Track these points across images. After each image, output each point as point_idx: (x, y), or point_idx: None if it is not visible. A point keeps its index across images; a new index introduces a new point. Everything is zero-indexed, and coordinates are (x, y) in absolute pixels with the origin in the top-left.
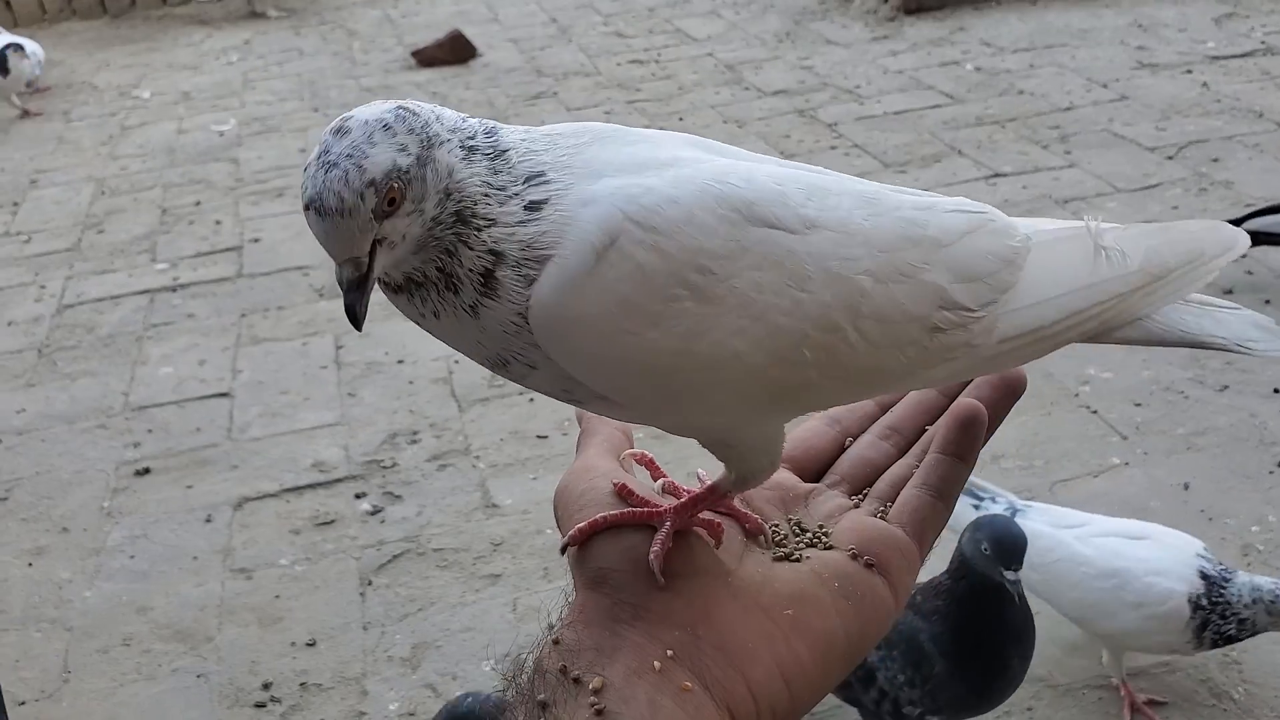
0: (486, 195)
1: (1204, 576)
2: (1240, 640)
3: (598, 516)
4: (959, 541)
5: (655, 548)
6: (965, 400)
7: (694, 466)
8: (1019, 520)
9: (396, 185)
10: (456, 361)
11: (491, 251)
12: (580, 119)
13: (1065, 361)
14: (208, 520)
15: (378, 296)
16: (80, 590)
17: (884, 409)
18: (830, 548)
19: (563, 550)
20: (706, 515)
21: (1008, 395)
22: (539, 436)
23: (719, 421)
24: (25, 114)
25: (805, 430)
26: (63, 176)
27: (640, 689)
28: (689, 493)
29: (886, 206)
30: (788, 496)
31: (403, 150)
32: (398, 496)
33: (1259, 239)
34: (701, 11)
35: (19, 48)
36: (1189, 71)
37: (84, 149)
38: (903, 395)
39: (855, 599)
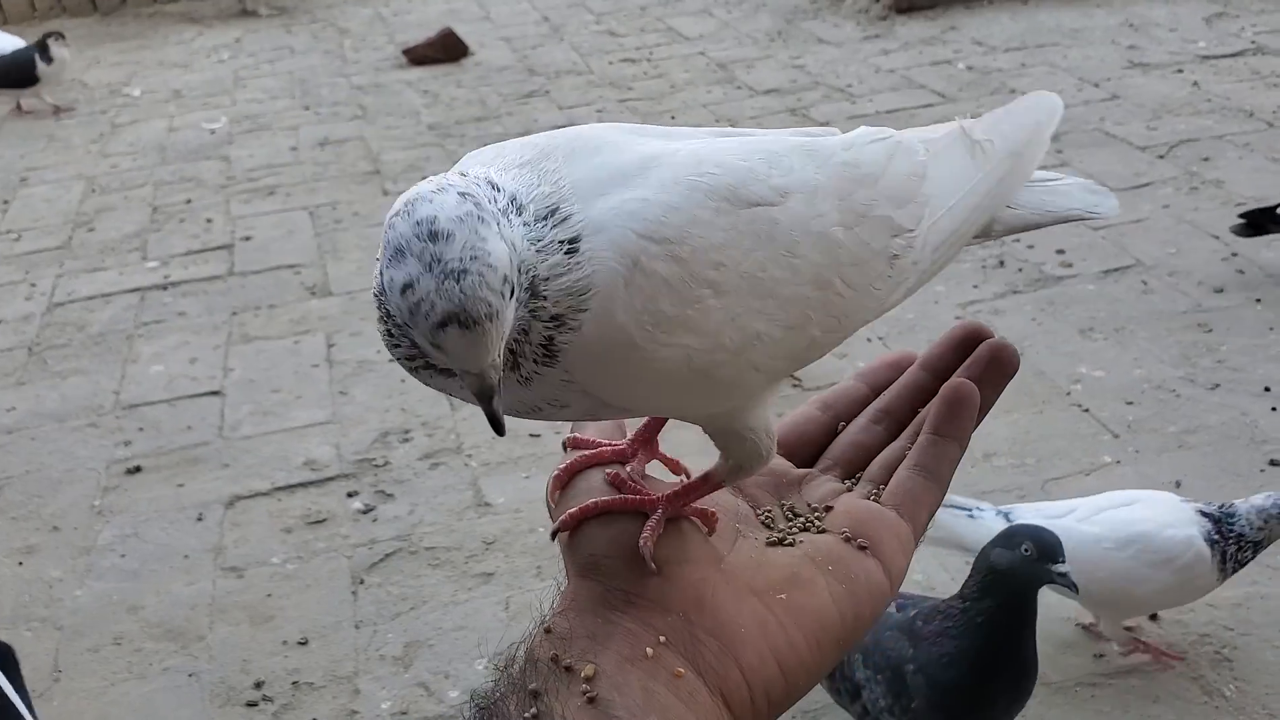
0: (538, 254)
1: (1204, 515)
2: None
3: (589, 502)
4: (983, 559)
5: (646, 534)
6: (957, 380)
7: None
8: (1013, 522)
9: (513, 275)
10: None
11: (554, 318)
12: (572, 118)
13: (1057, 360)
14: (199, 519)
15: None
16: (71, 589)
17: (876, 392)
18: (823, 531)
19: (553, 536)
20: (698, 504)
21: (999, 375)
22: (531, 435)
23: (736, 405)
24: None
25: (798, 416)
26: (53, 174)
27: (633, 676)
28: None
29: (825, 155)
30: (781, 482)
31: (500, 236)
32: (390, 495)
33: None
34: (693, 10)
35: (60, 35)
36: (1180, 71)
37: (74, 147)
38: (896, 377)
39: (849, 581)
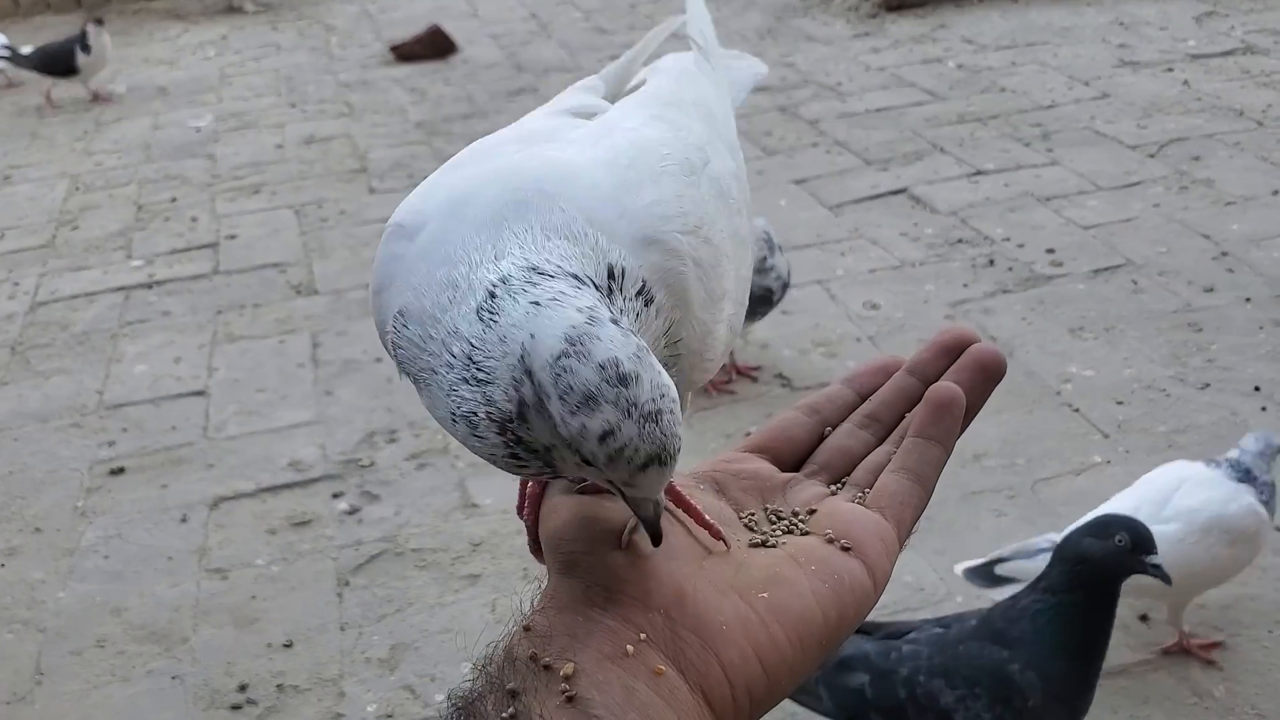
0: (642, 328)
1: (1239, 478)
2: None
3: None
4: (1071, 549)
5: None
6: (942, 384)
7: None
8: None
9: None
10: None
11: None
12: None
13: (1047, 359)
14: (183, 520)
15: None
16: (54, 591)
17: (863, 397)
18: (806, 534)
19: (519, 512)
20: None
21: (986, 380)
22: None
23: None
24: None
25: (783, 420)
26: (36, 173)
27: (613, 674)
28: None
29: (681, 111)
30: (765, 486)
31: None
32: (375, 496)
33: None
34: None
35: (99, 21)
36: (1170, 70)
37: (58, 145)
38: (883, 382)
39: (832, 582)
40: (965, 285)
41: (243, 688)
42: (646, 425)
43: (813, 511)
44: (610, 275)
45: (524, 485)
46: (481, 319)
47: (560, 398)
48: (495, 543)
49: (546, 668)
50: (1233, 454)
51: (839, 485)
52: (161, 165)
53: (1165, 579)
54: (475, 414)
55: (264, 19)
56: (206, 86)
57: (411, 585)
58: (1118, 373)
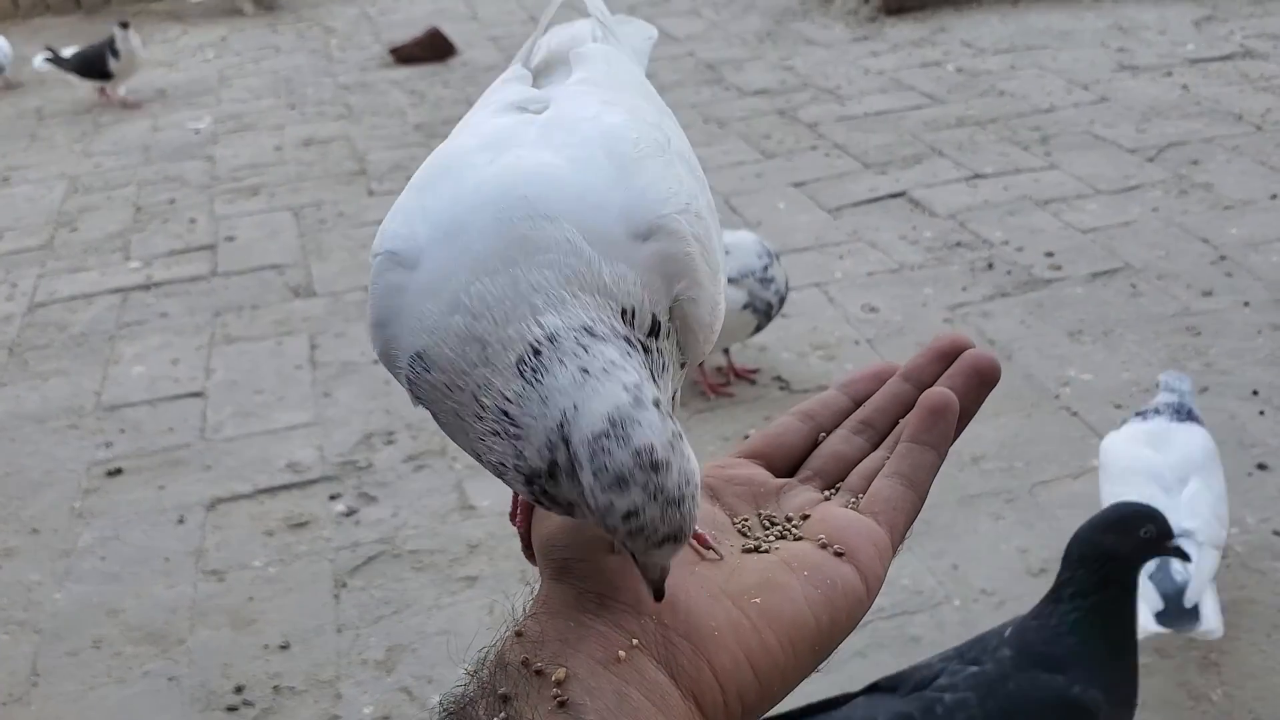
0: (665, 368)
1: (1181, 411)
2: None
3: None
4: (1091, 548)
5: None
6: (936, 389)
7: None
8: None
9: None
10: None
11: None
12: None
13: (1045, 363)
14: (180, 521)
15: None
16: (50, 592)
17: (857, 403)
18: (799, 539)
19: (512, 518)
20: None
21: (981, 385)
22: None
23: None
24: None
25: (778, 426)
26: (35, 174)
27: (605, 679)
28: None
29: (626, 93)
30: (759, 492)
31: (665, 399)
32: (373, 498)
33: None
34: (682, 10)
35: (125, 25)
36: (1169, 74)
37: (57, 146)
38: (878, 388)
39: (825, 587)
40: (964, 288)
41: (239, 689)
42: (669, 509)
43: (806, 517)
44: (624, 317)
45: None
46: (523, 374)
47: (594, 474)
48: (492, 545)
49: (538, 673)
50: (1168, 398)
51: (833, 491)
52: (160, 167)
53: (1186, 557)
54: (504, 464)
55: (263, 21)
56: (205, 88)
57: (409, 587)
58: (1116, 376)
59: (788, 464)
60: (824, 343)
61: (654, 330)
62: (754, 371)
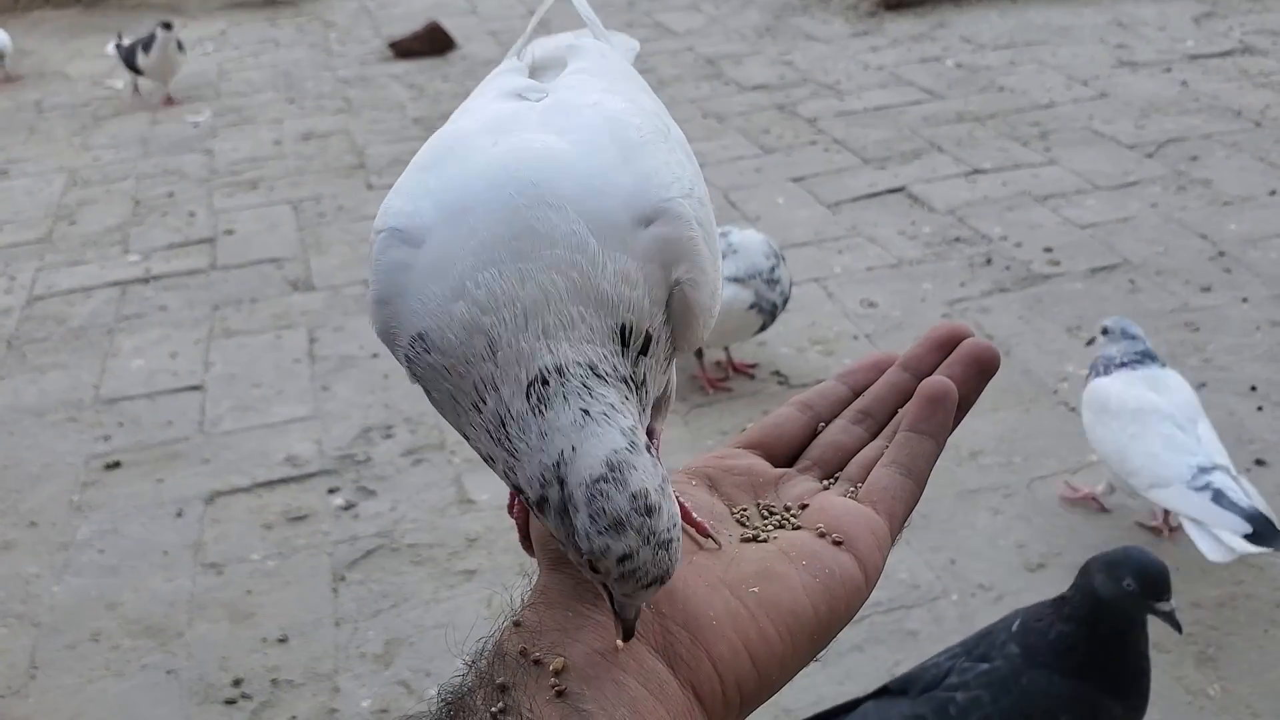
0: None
1: (1150, 355)
2: None
3: None
4: (1087, 582)
5: None
6: (935, 378)
7: None
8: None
9: None
10: None
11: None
12: None
13: (1044, 358)
14: (178, 515)
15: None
16: (48, 585)
17: (856, 393)
18: (798, 528)
19: (510, 510)
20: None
21: (980, 374)
22: None
23: None
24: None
25: (777, 416)
26: (34, 167)
27: (603, 669)
28: None
29: (624, 82)
30: (757, 482)
31: (643, 410)
32: (371, 491)
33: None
34: (681, 5)
35: (168, 26)
36: (1168, 70)
37: (56, 139)
38: (876, 378)
39: (823, 576)
40: (963, 284)
41: (237, 682)
42: (659, 552)
43: (805, 506)
44: (621, 333)
45: None
46: (529, 401)
47: (591, 517)
48: (491, 538)
49: (536, 662)
50: (1136, 345)
51: (831, 480)
52: (159, 160)
53: (1177, 628)
54: (493, 459)
55: (263, 15)
56: (205, 82)
57: (407, 581)
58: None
59: (786, 454)
60: (823, 337)
61: (645, 348)
62: (753, 366)
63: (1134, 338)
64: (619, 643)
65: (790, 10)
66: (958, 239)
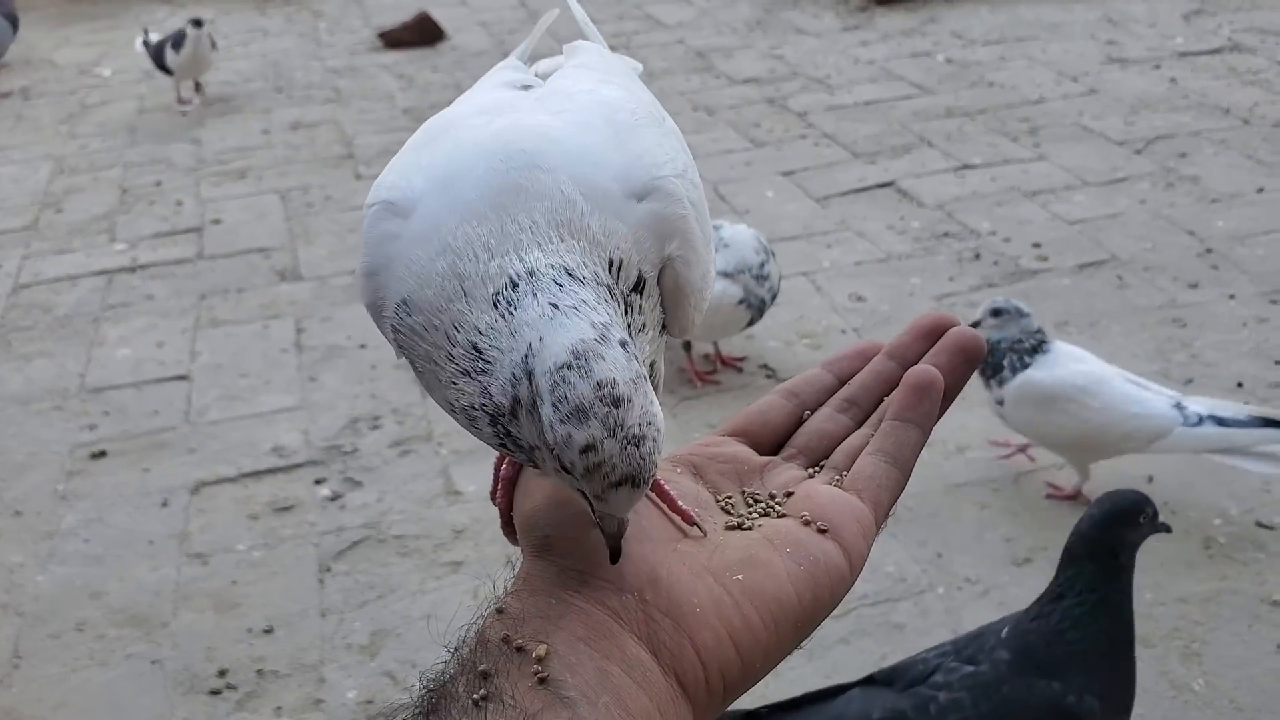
0: (642, 333)
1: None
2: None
3: (509, 459)
4: (1100, 543)
5: None
6: (921, 367)
7: None
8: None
9: None
10: None
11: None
12: None
13: None
14: (164, 504)
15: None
16: (32, 574)
17: (842, 381)
18: (783, 516)
19: (493, 496)
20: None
21: (966, 362)
22: None
23: None
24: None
25: (762, 404)
26: (20, 154)
27: (586, 656)
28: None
29: (622, 77)
30: (743, 470)
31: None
32: (358, 482)
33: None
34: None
35: (198, 23)
36: (1158, 67)
37: (43, 127)
38: (862, 367)
39: (808, 564)
40: (951, 278)
41: (222, 673)
42: (628, 447)
43: (790, 494)
44: (610, 268)
45: (498, 469)
46: (497, 306)
47: (554, 405)
48: (478, 530)
49: (519, 650)
50: (1031, 322)
51: (817, 468)
52: (147, 149)
53: (1168, 529)
54: (472, 407)
55: (251, 4)
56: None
57: (393, 572)
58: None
59: (772, 442)
60: (811, 331)
61: (638, 286)
62: (741, 360)
63: (1027, 315)
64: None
65: (781, 4)
66: (946, 234)
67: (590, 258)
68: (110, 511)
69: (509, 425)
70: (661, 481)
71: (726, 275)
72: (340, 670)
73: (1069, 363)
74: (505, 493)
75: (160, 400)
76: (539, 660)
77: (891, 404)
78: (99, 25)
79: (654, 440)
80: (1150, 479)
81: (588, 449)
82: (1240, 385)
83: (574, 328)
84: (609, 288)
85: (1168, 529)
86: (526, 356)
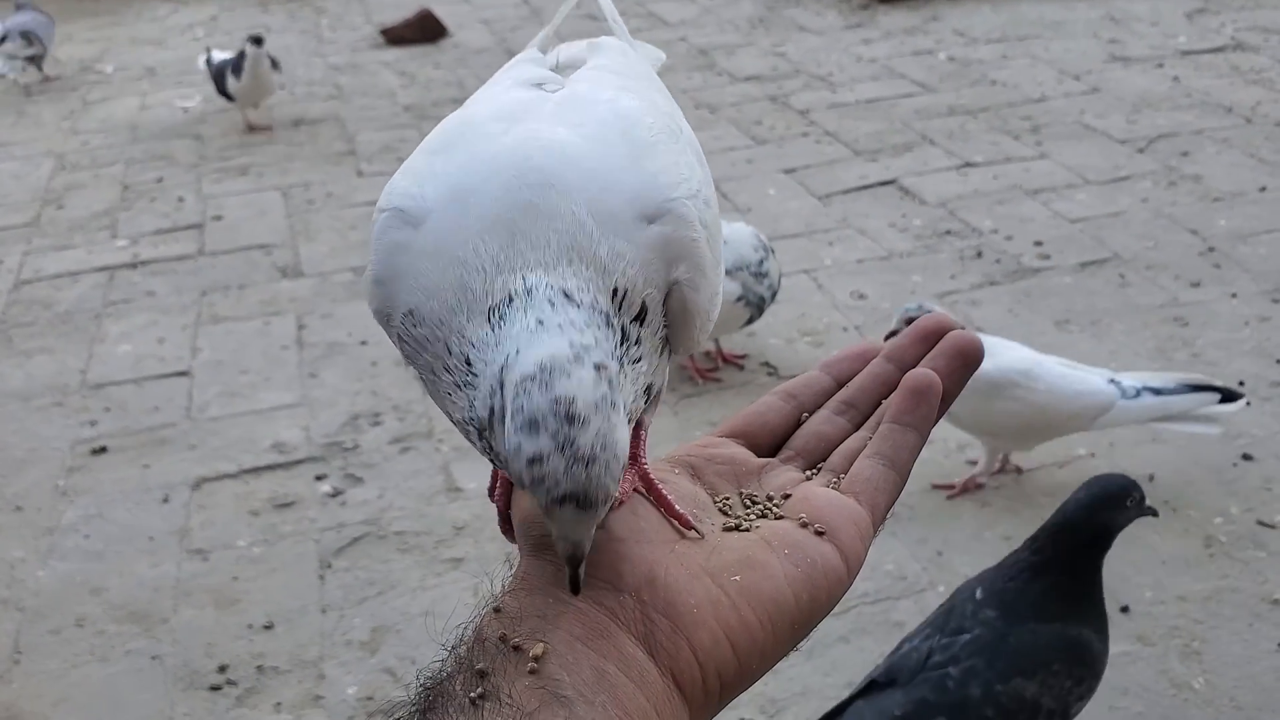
0: (635, 365)
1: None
2: None
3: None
4: (1089, 528)
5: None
6: (919, 370)
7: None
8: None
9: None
10: None
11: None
12: None
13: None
14: (165, 500)
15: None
16: (33, 570)
17: (840, 384)
18: (780, 518)
19: (491, 494)
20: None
21: (964, 366)
22: None
23: None
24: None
25: (760, 405)
26: (22, 151)
27: (583, 655)
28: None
29: (641, 82)
30: (740, 471)
31: (626, 421)
32: (359, 479)
33: None
34: None
35: (257, 41)
36: (1160, 66)
37: (45, 123)
38: (860, 369)
39: (805, 566)
40: (953, 276)
41: (222, 669)
42: (574, 465)
43: (787, 496)
44: (613, 296)
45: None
46: (490, 321)
47: (512, 414)
48: (478, 527)
49: (516, 648)
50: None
51: (814, 471)
52: (148, 145)
53: (1154, 513)
54: (465, 420)
55: (254, 1)
56: (195, 67)
57: (394, 568)
58: (1103, 366)
59: (770, 443)
60: (812, 329)
61: (639, 316)
62: (742, 357)
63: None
64: (599, 629)
65: (783, 2)
66: (948, 232)
67: (593, 284)
68: (111, 507)
69: (490, 439)
70: (659, 484)
71: (725, 273)
72: (340, 666)
73: (1004, 351)
74: (503, 491)
75: (161, 396)
76: (536, 659)
77: (890, 407)
78: (101, 22)
79: (606, 465)
80: (1151, 478)
81: (534, 461)
82: (1242, 384)
83: (550, 344)
84: (606, 315)
85: (1154, 513)
86: (503, 368)
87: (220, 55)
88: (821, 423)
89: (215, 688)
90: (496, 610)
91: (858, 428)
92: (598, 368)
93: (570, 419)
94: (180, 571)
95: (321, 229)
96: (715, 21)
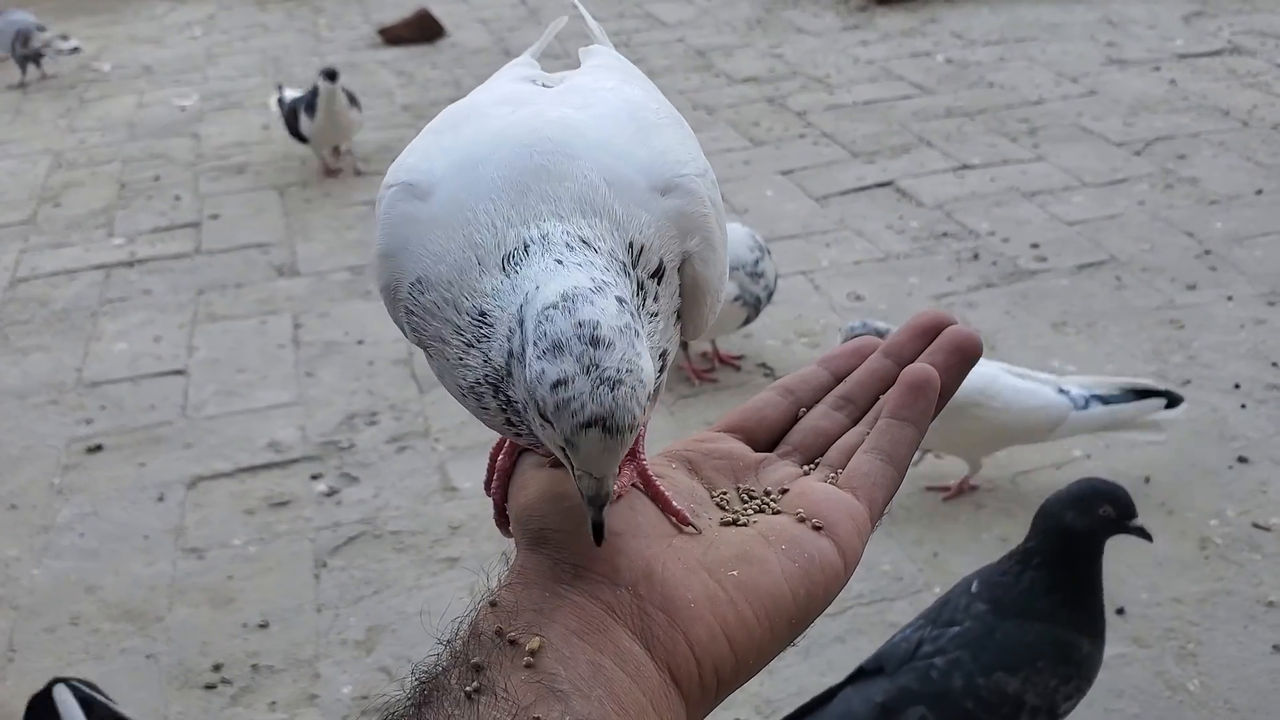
0: (654, 319)
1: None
2: None
3: (506, 449)
4: (1056, 524)
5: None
6: (917, 365)
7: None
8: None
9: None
10: None
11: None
12: None
13: (1029, 354)
14: (160, 499)
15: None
16: (28, 568)
17: (838, 379)
18: (778, 513)
19: (487, 487)
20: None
21: (962, 361)
22: None
23: None
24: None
25: (758, 401)
26: (19, 149)
27: (579, 649)
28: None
29: (638, 79)
30: (738, 466)
31: (649, 351)
32: (355, 478)
33: None
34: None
35: (331, 76)
36: (1157, 69)
37: (42, 121)
38: (859, 364)
39: (803, 561)
40: (949, 278)
41: (217, 667)
42: (601, 387)
43: (785, 491)
44: (630, 249)
45: (492, 461)
46: (504, 268)
47: (535, 342)
48: (474, 526)
49: (512, 642)
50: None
51: (812, 466)
52: (145, 144)
53: (1148, 537)
54: (478, 382)
55: None
56: (192, 66)
57: (389, 567)
58: (1099, 368)
59: (767, 438)
60: (809, 330)
61: (657, 273)
62: (739, 358)
63: (884, 335)
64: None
65: (781, 3)
66: (945, 234)
67: (610, 236)
68: (106, 506)
69: (508, 390)
70: (656, 480)
71: None
72: (335, 665)
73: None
74: (500, 484)
75: (157, 395)
76: (532, 653)
77: (887, 402)
78: (99, 20)
79: (633, 388)
80: (1147, 479)
81: (558, 384)
82: (1237, 386)
83: (571, 277)
84: (624, 265)
85: (1147, 536)
86: (521, 305)
87: (292, 93)
88: (819, 418)
89: (210, 686)
90: (493, 604)
91: (855, 423)
92: (620, 300)
93: (595, 341)
94: (175, 570)
95: (318, 228)
96: (713, 23)
